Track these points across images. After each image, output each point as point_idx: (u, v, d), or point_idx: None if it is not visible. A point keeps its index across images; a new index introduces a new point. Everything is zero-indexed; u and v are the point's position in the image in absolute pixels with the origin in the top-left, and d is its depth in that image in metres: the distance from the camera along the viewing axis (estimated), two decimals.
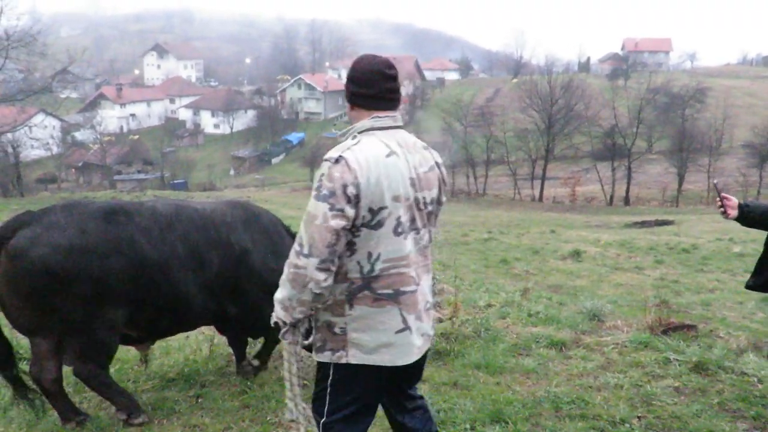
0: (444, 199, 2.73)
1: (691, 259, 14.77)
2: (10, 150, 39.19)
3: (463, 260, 12.89)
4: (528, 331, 5.70)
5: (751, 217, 3.49)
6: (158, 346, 4.79)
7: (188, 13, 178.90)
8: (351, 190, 2.31)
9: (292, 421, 2.65)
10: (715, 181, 4.53)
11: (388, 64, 2.61)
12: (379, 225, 2.39)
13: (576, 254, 14.34)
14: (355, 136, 2.50)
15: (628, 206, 44.55)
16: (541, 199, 47.31)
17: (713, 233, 23.12)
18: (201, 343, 4.97)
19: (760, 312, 8.10)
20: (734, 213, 3.49)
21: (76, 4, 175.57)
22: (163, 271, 3.86)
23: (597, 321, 6.31)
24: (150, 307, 3.92)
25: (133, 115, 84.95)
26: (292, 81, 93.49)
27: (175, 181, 57.92)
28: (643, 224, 29.80)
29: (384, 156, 2.43)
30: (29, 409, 3.85)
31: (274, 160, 74.24)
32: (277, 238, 4.45)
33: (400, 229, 2.43)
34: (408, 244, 2.47)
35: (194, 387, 4.19)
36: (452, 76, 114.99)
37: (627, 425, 3.53)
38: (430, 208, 2.59)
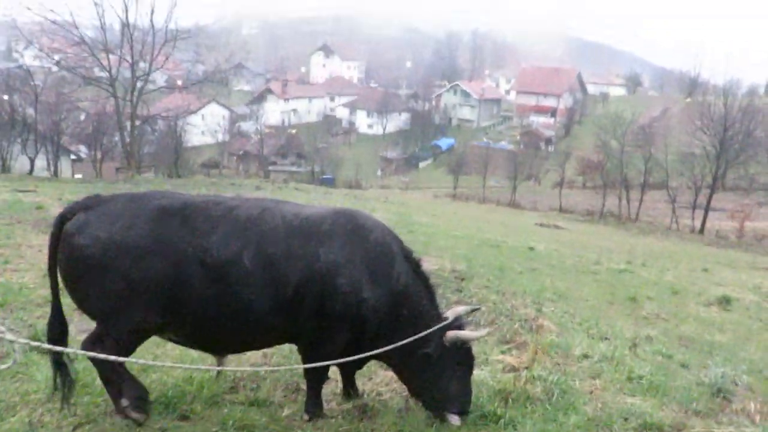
0: None
1: None
2: (178, 134, 42.45)
3: (584, 292, 11.44)
4: (619, 402, 4.48)
5: None
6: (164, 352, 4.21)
7: (356, 18, 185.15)
8: None
9: None
10: None
11: None
12: None
13: (725, 301, 12.21)
14: None
15: None
16: (702, 231, 42.72)
17: None
18: (205, 360, 4.33)
19: None
20: None
21: (256, 6, 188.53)
22: (214, 280, 3.47)
23: (721, 399, 4.92)
24: (194, 318, 3.54)
25: (294, 110, 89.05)
26: (449, 87, 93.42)
27: (324, 176, 59.72)
28: None
29: None
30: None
31: (422, 164, 74.33)
32: (383, 259, 3.82)
33: None
34: None
35: (168, 417, 3.54)
36: (618, 91, 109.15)
37: None
38: None
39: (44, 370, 4.14)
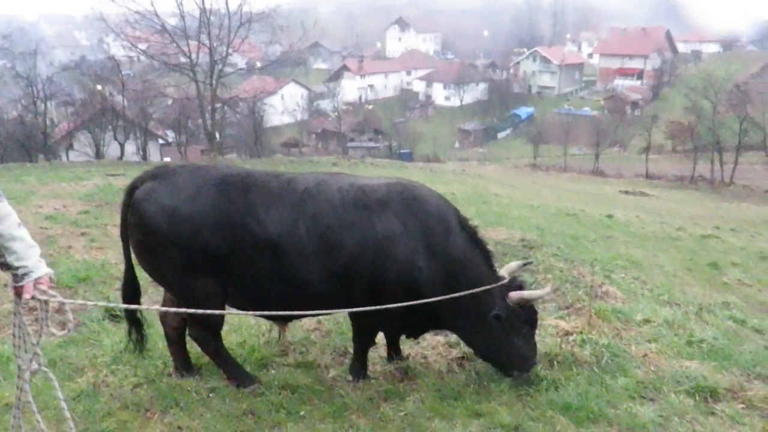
0: None
1: None
2: (258, 115, 43.63)
3: (661, 259, 11.02)
4: (673, 366, 4.35)
5: None
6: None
7: None
8: None
9: None
10: None
11: None
12: None
13: None
14: None
15: None
16: None
17: None
18: (261, 326, 4.53)
19: None
20: None
21: None
22: (271, 251, 3.60)
23: None
24: (251, 288, 3.72)
25: (371, 86, 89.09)
26: (527, 54, 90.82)
27: (401, 151, 59.76)
28: None
29: None
30: (135, 349, 4.03)
31: (500, 135, 73.01)
32: (439, 230, 3.85)
33: None
34: None
35: (216, 378, 3.76)
36: (712, 48, 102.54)
37: None
38: None
39: (112, 336, 4.48)
